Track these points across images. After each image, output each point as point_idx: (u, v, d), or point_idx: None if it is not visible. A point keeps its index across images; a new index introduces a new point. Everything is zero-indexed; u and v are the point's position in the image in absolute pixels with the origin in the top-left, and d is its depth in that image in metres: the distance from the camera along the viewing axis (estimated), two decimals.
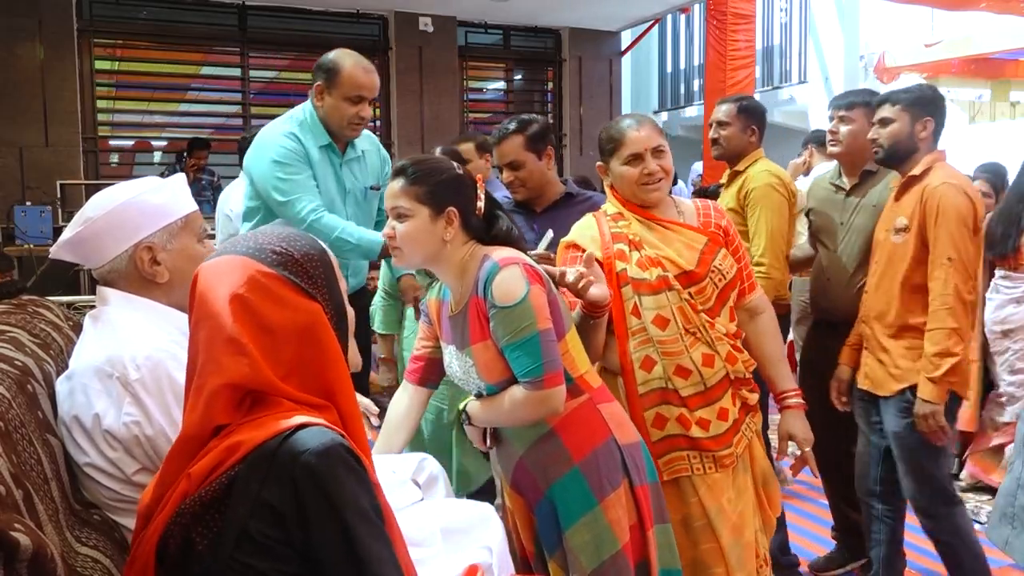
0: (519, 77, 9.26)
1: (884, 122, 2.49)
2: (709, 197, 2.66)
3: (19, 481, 1.18)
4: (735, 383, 1.99)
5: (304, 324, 1.17)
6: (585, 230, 2.06)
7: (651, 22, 8.92)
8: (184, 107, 7.84)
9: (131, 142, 7.79)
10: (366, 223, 2.81)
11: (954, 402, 2.41)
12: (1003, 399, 3.70)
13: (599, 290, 1.82)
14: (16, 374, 1.41)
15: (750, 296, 2.11)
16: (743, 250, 2.11)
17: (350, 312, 1.28)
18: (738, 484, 2.00)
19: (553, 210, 2.61)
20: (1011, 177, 4.62)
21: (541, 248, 2.18)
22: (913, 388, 2.40)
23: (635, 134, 2.00)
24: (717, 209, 2.11)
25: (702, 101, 9.42)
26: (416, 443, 2.61)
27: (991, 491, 3.57)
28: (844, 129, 2.74)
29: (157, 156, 7.85)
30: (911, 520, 2.63)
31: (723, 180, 3.11)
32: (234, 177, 4.28)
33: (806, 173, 4.82)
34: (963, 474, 3.86)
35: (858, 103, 2.72)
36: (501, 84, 9.41)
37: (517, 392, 1.68)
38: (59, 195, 6.59)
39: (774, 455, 2.22)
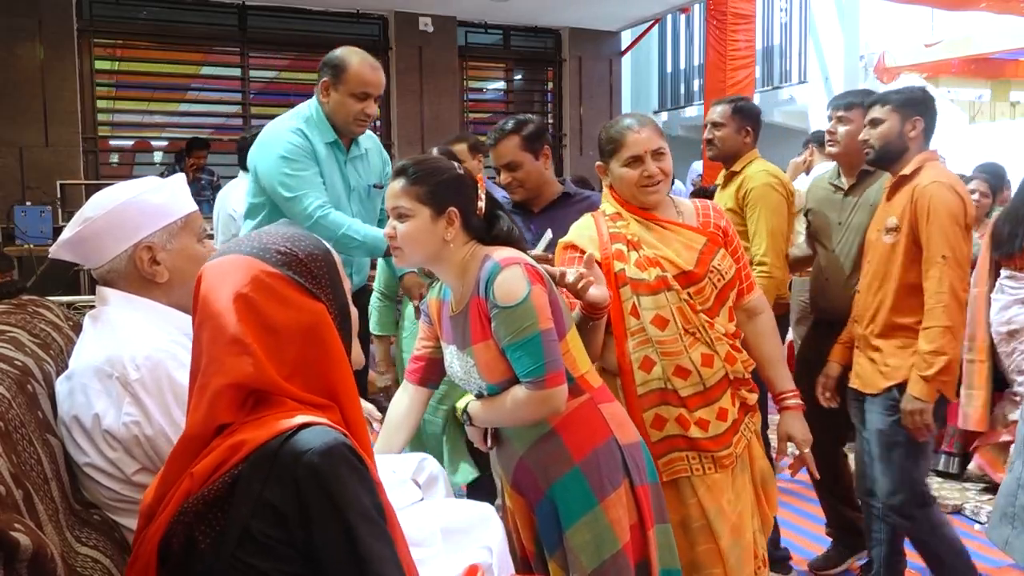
0: (519, 77, 9.26)
1: (874, 123, 2.51)
2: (707, 198, 2.66)
3: (19, 481, 1.18)
4: (734, 383, 1.99)
5: (308, 324, 1.17)
6: (583, 230, 2.06)
7: (651, 22, 8.91)
8: (184, 107, 7.84)
9: (131, 142, 7.79)
10: (369, 220, 2.81)
11: (941, 402, 2.42)
12: (1017, 398, 3.70)
13: (598, 291, 1.82)
14: (16, 374, 1.41)
15: (749, 296, 2.11)
16: (742, 250, 2.11)
17: (354, 312, 1.28)
18: (737, 485, 2.00)
19: (551, 210, 2.61)
20: (1011, 177, 4.63)
21: (539, 249, 2.18)
22: (900, 386, 2.41)
23: (635, 136, 2.00)
24: (716, 209, 2.11)
25: (702, 101, 9.43)
26: (415, 443, 2.61)
27: (992, 491, 3.57)
28: (842, 129, 2.75)
29: (157, 156, 7.85)
30: None
31: (719, 181, 3.11)
32: (234, 177, 4.29)
33: (807, 172, 4.82)
34: (971, 466, 3.86)
35: (856, 104, 2.73)
36: (501, 84, 9.41)
37: (519, 392, 1.68)
38: (59, 195, 6.59)
39: (773, 455, 2.22)
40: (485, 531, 1.68)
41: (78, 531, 1.34)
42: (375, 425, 1.97)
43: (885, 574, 2.67)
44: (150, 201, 1.54)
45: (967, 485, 3.97)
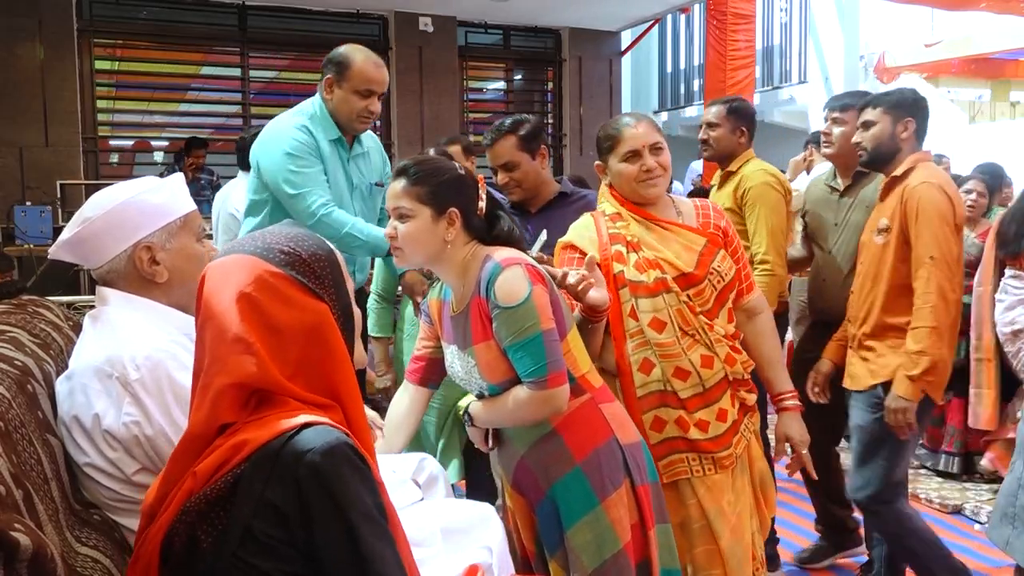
0: (519, 77, 9.26)
1: (867, 125, 2.52)
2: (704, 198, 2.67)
3: (19, 481, 1.18)
4: (734, 384, 1.99)
5: (311, 324, 1.17)
6: (583, 231, 2.05)
7: (651, 22, 8.91)
8: (184, 107, 7.83)
9: (131, 142, 7.79)
10: (371, 218, 2.81)
11: (927, 402, 2.42)
12: None
13: (599, 294, 1.82)
14: (16, 374, 1.40)
15: (748, 297, 2.11)
16: (742, 251, 2.11)
17: (356, 313, 1.28)
18: (737, 486, 2.00)
19: (548, 210, 2.61)
20: (1012, 177, 4.63)
21: (534, 251, 2.18)
22: (886, 385, 2.42)
23: (633, 131, 2.00)
24: (716, 209, 2.11)
25: (702, 101, 9.43)
26: (413, 442, 2.61)
27: (993, 491, 3.57)
28: (837, 131, 2.77)
29: (157, 156, 7.85)
30: None
31: (714, 182, 3.11)
32: (233, 177, 4.29)
33: (808, 171, 4.82)
34: (983, 462, 3.85)
35: (851, 105, 2.75)
36: (501, 84, 9.41)
37: (520, 392, 1.68)
38: (59, 195, 6.59)
39: (773, 454, 2.22)
40: (485, 531, 1.68)
41: (78, 531, 1.34)
42: (377, 433, 1.97)
43: (886, 574, 2.67)
44: (149, 201, 1.54)
45: (967, 485, 3.98)
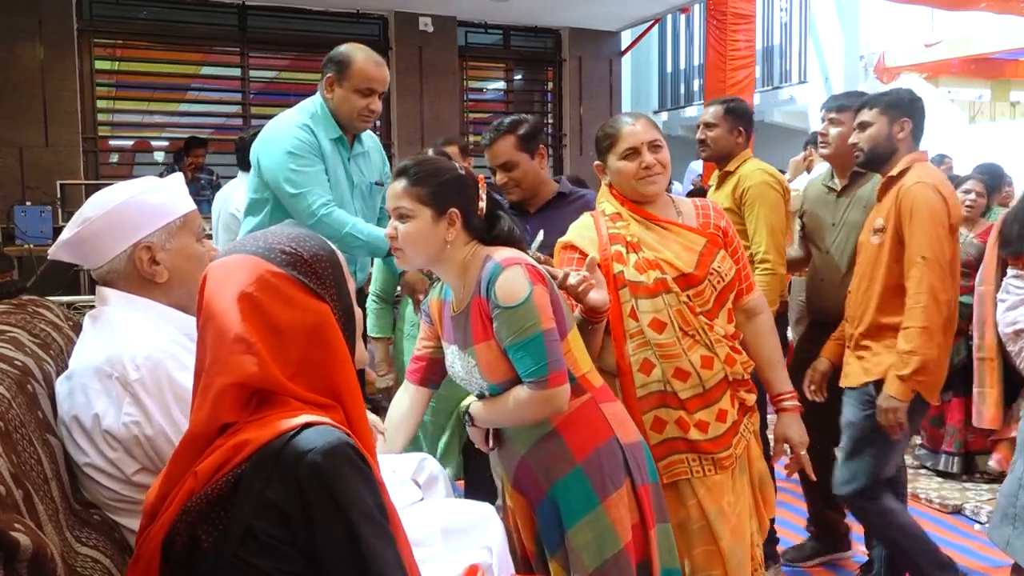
0: (519, 77, 9.26)
1: (863, 126, 2.53)
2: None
3: (19, 481, 1.18)
4: (733, 384, 1.99)
5: (312, 324, 1.17)
6: (583, 230, 2.05)
7: (651, 22, 8.91)
8: (184, 107, 7.82)
9: (131, 142, 7.78)
10: (371, 218, 2.81)
11: (919, 401, 2.42)
12: None
13: (599, 295, 1.82)
14: (16, 374, 1.40)
15: (748, 297, 2.11)
16: (742, 251, 2.11)
17: (358, 313, 1.28)
18: (737, 486, 2.00)
19: (547, 210, 2.61)
20: (1012, 177, 4.62)
21: (532, 251, 2.17)
22: (878, 383, 2.42)
23: (631, 128, 2.01)
24: (716, 209, 2.11)
25: (702, 101, 9.43)
26: (413, 443, 2.61)
27: (993, 491, 3.56)
28: (834, 131, 2.78)
29: (157, 156, 7.84)
30: None
31: (712, 182, 3.12)
32: (234, 177, 4.28)
33: (808, 171, 4.82)
34: (990, 462, 3.85)
35: (847, 106, 2.76)
36: (501, 84, 9.41)
37: (521, 392, 1.68)
38: (59, 195, 6.58)
39: (772, 455, 2.22)
40: (485, 531, 1.68)
41: (78, 531, 1.34)
42: (379, 438, 1.97)
43: (886, 574, 2.67)
44: (149, 201, 1.54)
45: (967, 485, 3.98)
